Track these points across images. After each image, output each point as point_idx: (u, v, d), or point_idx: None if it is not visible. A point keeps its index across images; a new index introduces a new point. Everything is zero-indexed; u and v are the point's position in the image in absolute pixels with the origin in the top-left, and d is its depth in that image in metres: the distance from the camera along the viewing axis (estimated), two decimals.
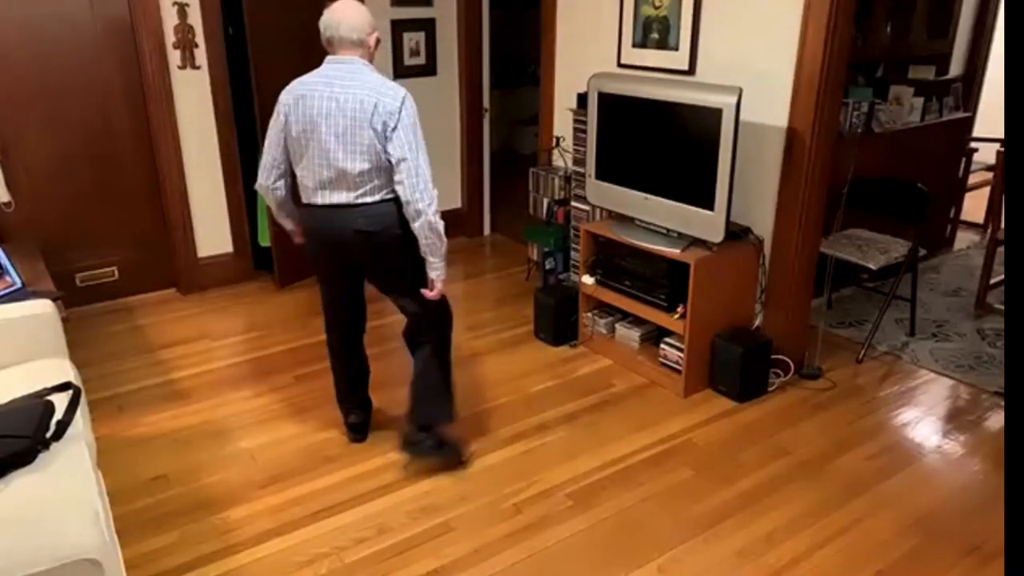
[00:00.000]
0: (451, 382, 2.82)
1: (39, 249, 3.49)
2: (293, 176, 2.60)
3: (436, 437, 2.74)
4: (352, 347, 2.87)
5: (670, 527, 2.48)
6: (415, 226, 2.42)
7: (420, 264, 2.53)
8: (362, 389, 2.96)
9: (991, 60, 4.97)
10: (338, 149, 2.39)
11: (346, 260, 2.62)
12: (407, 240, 2.49)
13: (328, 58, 2.46)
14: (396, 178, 2.39)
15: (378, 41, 2.53)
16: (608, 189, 3.44)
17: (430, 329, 2.73)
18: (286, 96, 2.47)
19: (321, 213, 2.51)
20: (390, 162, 2.39)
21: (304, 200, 2.55)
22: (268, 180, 2.62)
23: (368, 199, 2.46)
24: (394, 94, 2.37)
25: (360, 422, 2.92)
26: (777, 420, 3.09)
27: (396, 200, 2.45)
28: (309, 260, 2.73)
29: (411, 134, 2.37)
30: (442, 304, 2.71)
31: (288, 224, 2.79)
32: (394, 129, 2.35)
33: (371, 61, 2.49)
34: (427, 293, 2.57)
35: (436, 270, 2.53)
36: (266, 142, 2.58)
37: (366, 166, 2.40)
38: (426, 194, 2.38)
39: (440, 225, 2.44)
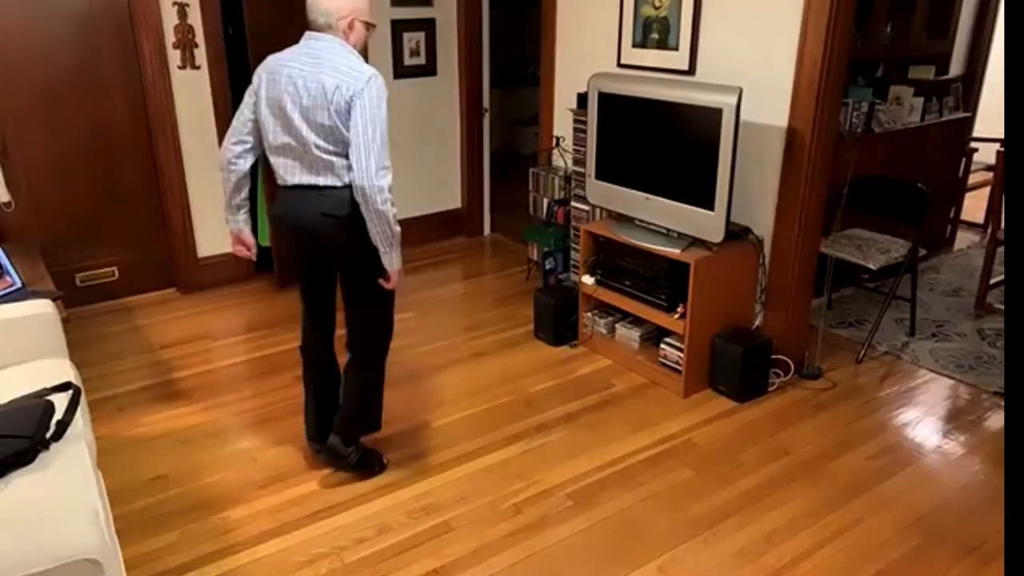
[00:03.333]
0: (381, 390, 2.78)
1: (39, 249, 3.50)
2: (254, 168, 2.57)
3: (360, 448, 2.71)
4: (322, 354, 2.73)
5: (670, 527, 2.48)
6: (363, 210, 2.33)
7: (375, 264, 2.45)
8: (329, 410, 2.76)
9: (991, 60, 4.97)
10: (301, 128, 2.34)
11: (312, 246, 2.54)
12: (357, 230, 2.40)
13: (305, 34, 2.40)
14: (350, 164, 2.32)
15: (368, 26, 2.45)
16: (608, 189, 3.44)
17: (364, 340, 2.62)
18: (260, 70, 2.43)
19: (289, 195, 2.46)
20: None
21: (278, 180, 2.49)
22: (229, 149, 2.52)
23: (332, 182, 2.39)
24: (357, 75, 2.29)
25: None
26: (777, 420, 3.09)
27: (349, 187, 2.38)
28: (288, 249, 2.59)
29: (367, 117, 2.28)
30: (383, 316, 2.63)
31: (235, 223, 2.66)
32: (350, 111, 2.28)
33: (354, 44, 2.41)
34: (384, 283, 2.49)
35: (387, 258, 2.42)
36: (237, 115, 2.52)
37: (329, 147, 2.34)
38: (375, 179, 2.29)
39: (389, 212, 2.34)
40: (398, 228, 2.40)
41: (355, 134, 2.29)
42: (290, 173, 2.43)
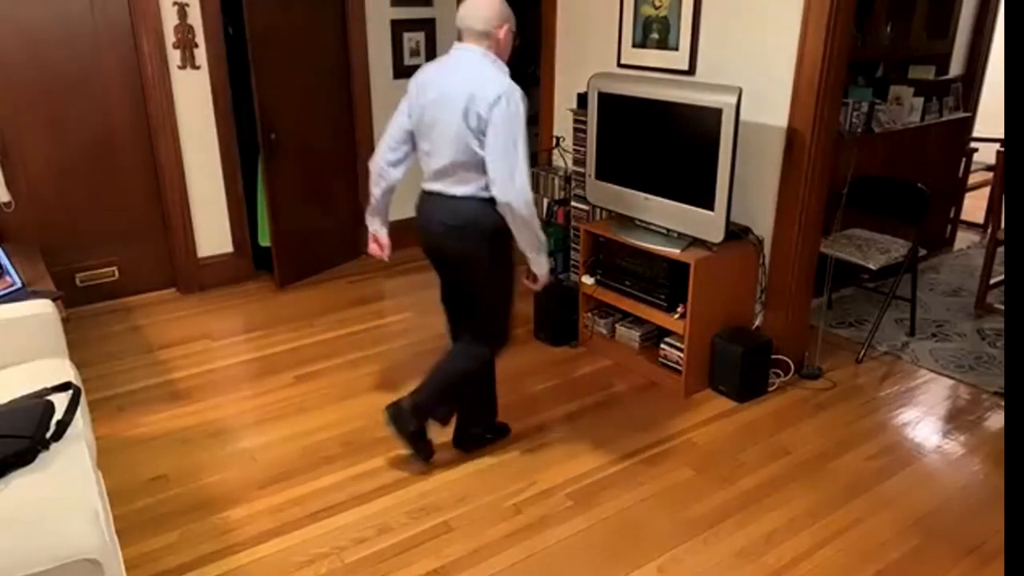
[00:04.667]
0: (462, 394, 2.79)
1: (39, 249, 3.50)
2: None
3: (421, 426, 2.70)
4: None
5: (670, 527, 2.48)
6: (508, 221, 2.41)
7: (495, 278, 2.58)
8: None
9: (991, 60, 4.97)
10: (438, 137, 2.42)
11: (435, 250, 2.63)
12: (490, 243, 2.48)
13: (457, 44, 2.47)
14: (489, 178, 2.35)
15: (513, 35, 2.50)
16: (608, 189, 3.43)
17: (476, 331, 2.69)
18: (413, 80, 2.54)
19: (422, 200, 2.57)
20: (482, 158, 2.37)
21: (423, 185, 2.58)
22: (383, 159, 2.61)
23: (455, 191, 2.45)
24: (494, 88, 2.30)
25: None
26: (777, 420, 3.09)
27: (487, 200, 2.41)
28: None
29: (503, 132, 2.30)
30: (500, 326, 2.70)
31: (374, 224, 2.76)
32: (487, 124, 2.30)
33: (501, 53, 2.47)
34: (529, 284, 2.66)
35: (535, 264, 2.56)
36: (389, 124, 2.60)
37: (458, 158, 2.39)
38: (519, 193, 2.35)
39: (535, 222, 2.44)
40: (543, 236, 2.52)
41: (490, 152, 2.32)
42: (428, 181, 2.53)
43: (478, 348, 2.70)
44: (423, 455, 2.75)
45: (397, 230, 5.25)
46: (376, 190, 2.68)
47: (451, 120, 2.35)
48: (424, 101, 2.45)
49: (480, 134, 2.33)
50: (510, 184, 2.33)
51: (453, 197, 2.46)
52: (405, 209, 4.94)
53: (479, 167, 2.37)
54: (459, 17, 2.43)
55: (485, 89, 2.31)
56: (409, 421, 2.67)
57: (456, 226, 2.47)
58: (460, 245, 2.50)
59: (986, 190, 5.24)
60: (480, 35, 2.40)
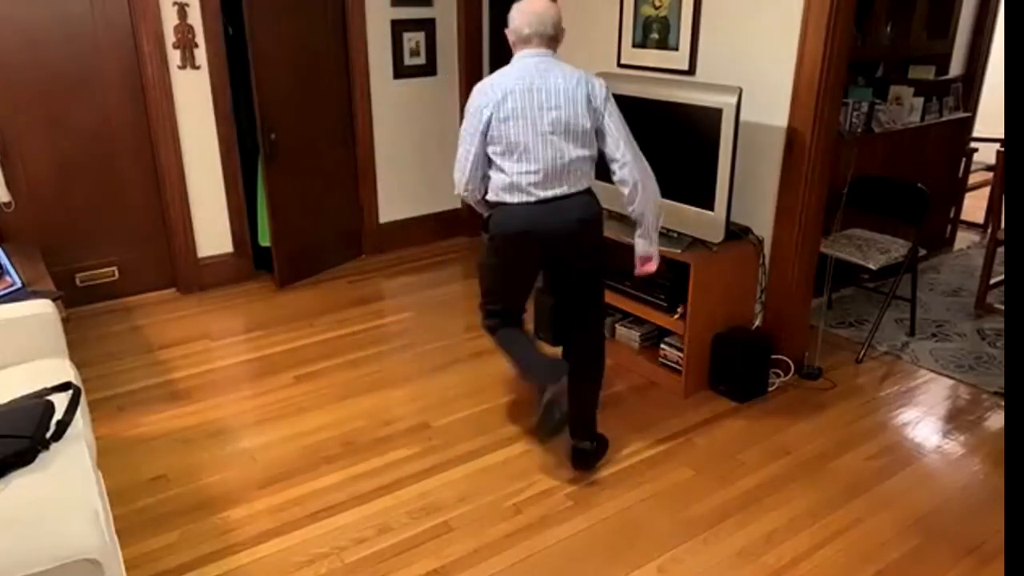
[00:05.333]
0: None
1: (39, 249, 3.50)
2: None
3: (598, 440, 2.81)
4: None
5: (670, 527, 2.48)
6: (635, 206, 2.53)
7: (604, 264, 2.69)
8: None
9: (991, 60, 4.97)
10: (559, 139, 2.42)
11: (563, 249, 2.56)
12: (601, 233, 2.61)
13: (522, 53, 2.47)
14: (619, 162, 2.48)
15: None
16: (608, 189, 3.42)
17: (599, 319, 2.78)
18: (485, 98, 2.43)
19: (539, 209, 2.47)
20: (601, 150, 2.50)
21: (511, 200, 2.48)
22: (472, 186, 2.56)
23: (582, 187, 2.52)
24: (598, 82, 2.47)
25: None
26: (777, 420, 3.09)
27: (591, 191, 2.56)
28: (494, 262, 2.63)
29: (619, 119, 2.49)
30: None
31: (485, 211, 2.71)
32: (606, 115, 2.46)
33: None
34: (645, 269, 2.70)
35: (654, 242, 2.66)
36: (465, 152, 2.50)
37: (584, 153, 2.46)
38: (650, 170, 2.54)
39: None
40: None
41: (617, 133, 2.48)
42: (542, 187, 2.46)
43: (602, 334, 2.81)
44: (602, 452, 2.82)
45: (396, 230, 5.25)
46: (482, 207, 2.65)
47: (575, 119, 2.42)
48: (517, 105, 2.40)
49: (597, 127, 2.48)
50: (642, 163, 2.52)
51: (580, 192, 2.52)
52: (404, 209, 4.96)
53: (593, 161, 2.52)
54: (525, 24, 2.43)
55: (592, 84, 2.45)
56: (592, 449, 2.77)
57: (589, 219, 2.55)
58: (594, 236, 2.60)
59: (986, 190, 5.24)
60: (552, 39, 2.48)
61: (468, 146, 2.50)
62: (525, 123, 2.41)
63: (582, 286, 2.68)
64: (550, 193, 2.47)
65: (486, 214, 2.63)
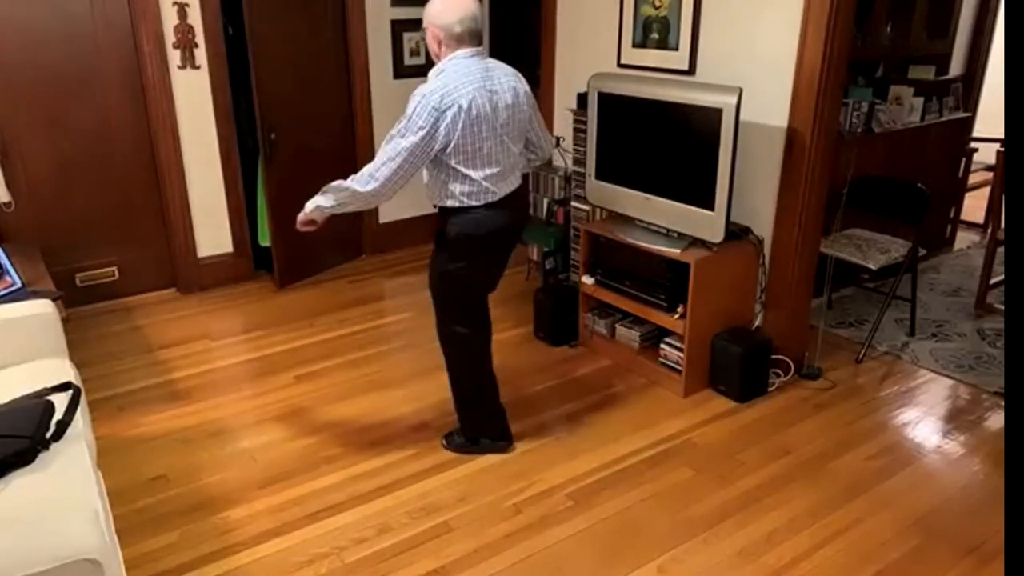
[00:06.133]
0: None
1: (39, 249, 3.50)
2: None
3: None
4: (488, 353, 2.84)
5: (670, 527, 2.48)
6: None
7: None
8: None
9: (991, 60, 4.97)
10: (508, 138, 2.48)
11: (513, 240, 2.66)
12: None
13: (464, 52, 2.39)
14: (544, 148, 2.70)
15: None
16: (608, 189, 3.43)
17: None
18: (450, 105, 2.31)
19: (507, 204, 2.53)
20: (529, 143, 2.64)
21: (481, 201, 2.47)
22: (386, 191, 2.41)
23: (520, 179, 2.62)
24: (519, 75, 2.54)
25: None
26: (777, 420, 3.09)
27: None
28: (462, 272, 2.58)
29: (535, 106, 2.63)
30: None
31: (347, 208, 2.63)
32: (534, 107, 2.59)
33: None
34: None
35: None
36: (406, 158, 2.34)
37: (521, 148, 2.57)
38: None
39: None
40: None
41: (539, 121, 2.65)
42: (504, 184, 2.52)
43: None
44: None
45: (396, 230, 5.26)
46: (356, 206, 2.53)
47: (522, 116, 2.52)
48: (480, 113, 2.35)
49: (530, 121, 2.60)
50: (548, 142, 2.75)
51: (521, 187, 2.62)
52: (404, 209, 4.96)
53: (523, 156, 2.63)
54: (456, 21, 2.34)
55: (521, 78, 2.53)
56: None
57: (528, 212, 2.71)
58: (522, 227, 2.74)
59: (986, 190, 5.24)
60: (480, 35, 2.44)
61: (411, 148, 2.33)
62: (487, 127, 2.40)
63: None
64: (508, 189, 2.54)
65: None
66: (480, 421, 2.85)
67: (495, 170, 2.47)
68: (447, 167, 2.43)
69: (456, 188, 2.46)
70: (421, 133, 2.33)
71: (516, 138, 2.52)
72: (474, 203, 2.49)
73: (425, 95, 2.33)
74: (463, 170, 2.42)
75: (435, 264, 2.64)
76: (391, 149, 2.36)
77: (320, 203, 2.50)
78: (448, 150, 2.38)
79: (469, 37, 2.39)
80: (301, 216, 2.55)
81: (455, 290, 2.66)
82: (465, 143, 2.38)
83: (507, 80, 2.46)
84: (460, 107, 2.32)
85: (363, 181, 2.41)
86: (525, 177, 2.71)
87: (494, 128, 2.42)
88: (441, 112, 2.32)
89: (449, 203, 2.50)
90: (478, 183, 2.45)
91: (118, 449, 2.88)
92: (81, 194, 3.99)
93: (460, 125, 2.34)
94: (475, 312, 2.73)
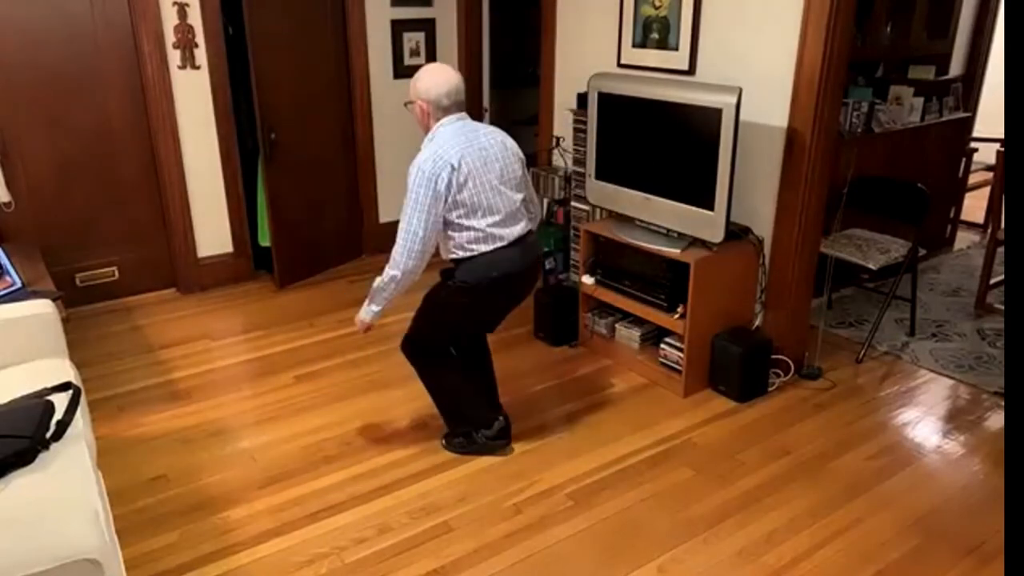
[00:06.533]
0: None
1: (39, 249, 3.50)
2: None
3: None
4: (485, 357, 3.01)
5: (670, 527, 2.48)
6: (534, 238, 2.79)
7: None
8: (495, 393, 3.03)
9: (991, 60, 4.97)
10: (505, 187, 2.58)
11: (527, 283, 2.76)
12: None
13: (450, 119, 2.56)
14: (534, 202, 2.82)
15: None
16: (608, 189, 3.43)
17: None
18: (436, 167, 2.45)
19: (514, 249, 2.62)
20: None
21: (490, 246, 2.57)
22: (419, 263, 2.55)
23: (531, 225, 2.75)
24: (508, 135, 2.68)
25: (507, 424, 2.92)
26: (777, 420, 3.09)
27: None
28: (465, 304, 2.66)
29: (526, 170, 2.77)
30: None
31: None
32: (522, 162, 2.69)
33: None
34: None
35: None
36: (423, 227, 2.48)
37: (522, 196, 2.66)
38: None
39: None
40: None
41: (529, 182, 2.75)
42: (513, 231, 2.62)
43: None
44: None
45: (395, 230, 5.23)
46: (409, 283, 2.64)
47: (514, 168, 2.63)
48: (471, 169, 2.50)
49: (523, 174, 2.71)
50: (537, 205, 2.88)
51: (531, 232, 2.74)
52: None
53: (527, 202, 2.74)
54: (444, 95, 2.53)
55: (507, 136, 2.66)
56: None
57: (540, 255, 2.85)
58: (539, 271, 2.87)
59: (986, 190, 5.24)
60: (463, 104, 2.60)
61: (426, 218, 2.47)
62: (481, 182, 2.53)
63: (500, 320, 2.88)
64: (516, 234, 2.62)
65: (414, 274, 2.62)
66: (462, 419, 2.88)
67: (498, 218, 2.57)
68: (450, 223, 2.55)
69: (463, 239, 2.57)
70: (426, 202, 2.47)
71: (514, 187, 2.62)
72: (483, 248, 2.58)
73: (419, 165, 2.49)
74: (466, 222, 2.55)
75: (437, 293, 2.72)
76: (405, 225, 2.51)
77: (374, 310, 2.73)
78: (448, 205, 2.50)
79: (456, 107, 2.57)
80: (361, 326, 2.79)
81: (448, 321, 2.75)
82: (463, 197, 2.50)
83: (494, 136, 2.60)
84: (452, 166, 2.46)
85: (395, 265, 2.57)
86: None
87: (488, 180, 2.54)
88: (437, 175, 2.46)
89: (459, 254, 2.60)
90: (483, 230, 2.56)
91: (118, 449, 2.88)
92: (81, 194, 3.99)
93: (455, 182, 2.47)
94: (454, 343, 2.84)
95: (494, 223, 2.56)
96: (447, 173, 2.46)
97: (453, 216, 2.52)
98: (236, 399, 3.25)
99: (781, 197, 3.22)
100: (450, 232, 2.56)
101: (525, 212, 2.69)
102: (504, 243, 2.59)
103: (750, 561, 2.34)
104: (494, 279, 2.60)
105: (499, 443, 2.86)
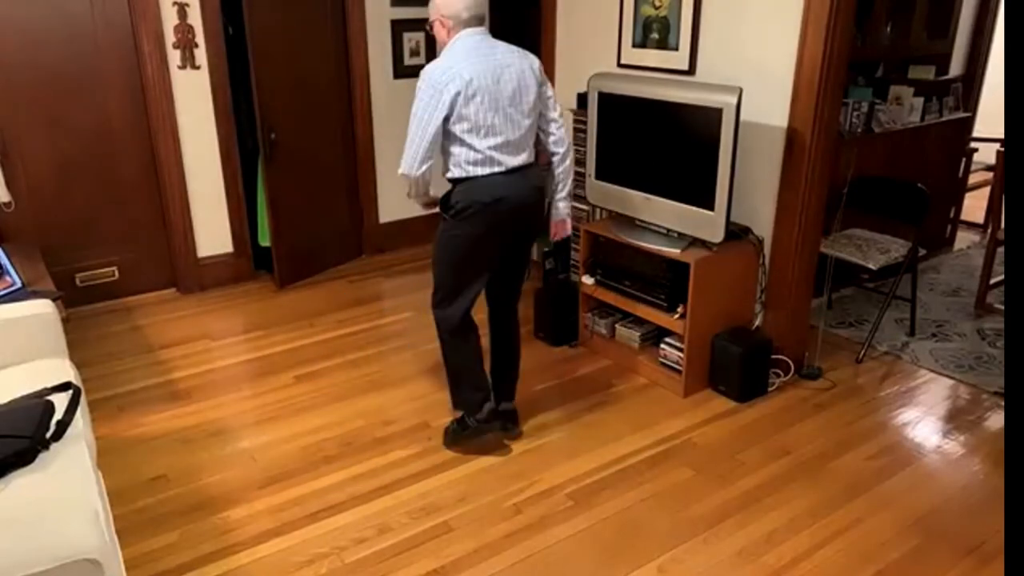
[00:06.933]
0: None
1: (39, 249, 3.50)
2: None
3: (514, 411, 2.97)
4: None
5: (670, 527, 2.48)
6: (563, 169, 2.77)
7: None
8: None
9: (991, 60, 4.96)
10: (515, 110, 2.54)
11: (521, 220, 2.66)
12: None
13: (469, 31, 2.52)
14: (553, 128, 2.71)
15: None
16: (608, 189, 3.43)
17: (518, 291, 2.91)
18: (445, 76, 2.44)
19: (510, 177, 2.58)
20: (541, 113, 2.67)
21: (487, 171, 2.55)
22: (420, 168, 2.55)
23: (531, 158, 2.66)
24: (530, 54, 2.62)
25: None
26: (777, 420, 3.09)
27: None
28: (462, 236, 2.62)
29: (551, 89, 2.70)
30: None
31: (423, 199, 2.74)
32: (545, 83, 2.65)
33: None
34: (562, 233, 2.90)
35: (568, 208, 2.89)
36: (422, 133, 2.49)
37: (532, 123, 2.61)
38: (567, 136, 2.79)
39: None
40: None
41: (554, 102, 2.68)
42: (514, 158, 2.58)
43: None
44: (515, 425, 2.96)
45: (396, 230, 5.25)
46: (416, 191, 2.66)
47: (529, 89, 2.57)
48: (482, 84, 2.46)
49: (544, 98, 2.66)
50: (566, 132, 2.76)
51: (532, 164, 2.67)
52: (404, 209, 4.96)
53: (534, 132, 2.68)
54: (464, 8, 2.49)
55: (530, 56, 2.60)
56: (511, 416, 2.95)
57: (543, 188, 2.70)
58: (541, 206, 2.73)
59: (986, 190, 5.24)
60: (484, 18, 2.56)
61: (426, 125, 2.49)
62: (490, 100, 2.49)
63: (524, 256, 2.82)
64: (516, 162, 2.59)
65: (425, 200, 2.70)
66: (463, 394, 2.86)
67: (499, 140, 2.53)
68: (452, 136, 2.53)
69: (461, 157, 2.55)
70: (425, 96, 2.47)
71: (524, 112, 2.57)
72: (480, 172, 2.56)
73: (430, 72, 2.49)
74: (467, 139, 2.52)
75: (439, 231, 2.70)
76: (411, 131, 2.53)
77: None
78: (452, 119, 2.49)
79: (476, 21, 2.53)
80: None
81: (455, 256, 2.67)
82: (468, 113, 2.48)
83: (511, 56, 2.55)
84: (462, 78, 2.44)
85: (404, 166, 2.58)
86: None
87: (497, 100, 2.50)
88: (444, 84, 2.44)
89: (456, 172, 2.58)
90: (483, 152, 2.53)
91: (118, 449, 2.88)
92: (81, 194, 3.99)
93: (463, 96, 2.45)
94: (470, 286, 2.71)
95: (495, 145, 2.52)
96: (456, 84, 2.43)
97: (456, 129, 2.50)
98: (236, 399, 3.25)
99: (781, 197, 3.22)
100: (452, 148, 2.55)
101: (530, 142, 2.63)
102: (502, 169, 2.56)
103: (750, 561, 2.34)
104: (486, 204, 2.55)
105: (490, 427, 2.83)
